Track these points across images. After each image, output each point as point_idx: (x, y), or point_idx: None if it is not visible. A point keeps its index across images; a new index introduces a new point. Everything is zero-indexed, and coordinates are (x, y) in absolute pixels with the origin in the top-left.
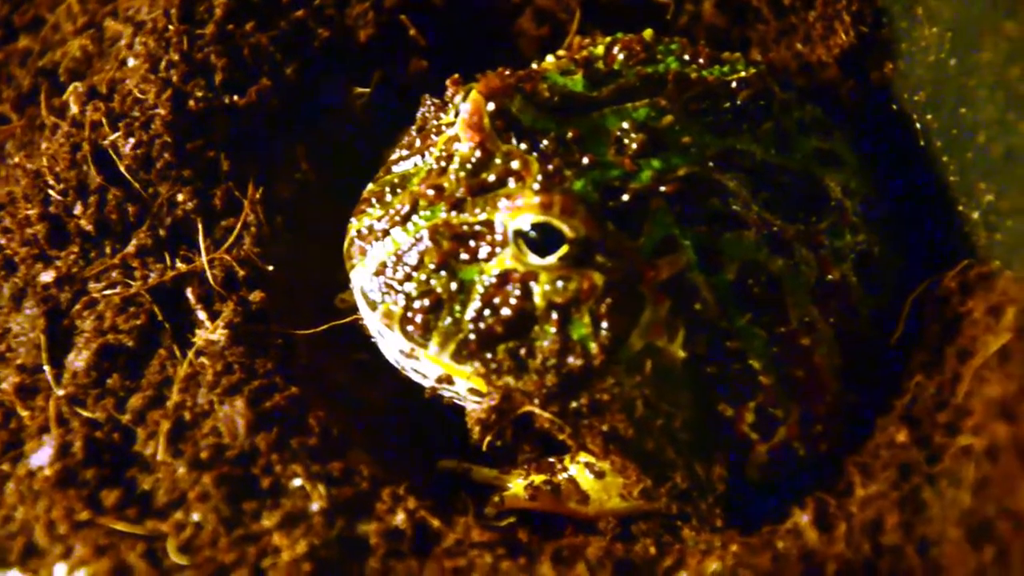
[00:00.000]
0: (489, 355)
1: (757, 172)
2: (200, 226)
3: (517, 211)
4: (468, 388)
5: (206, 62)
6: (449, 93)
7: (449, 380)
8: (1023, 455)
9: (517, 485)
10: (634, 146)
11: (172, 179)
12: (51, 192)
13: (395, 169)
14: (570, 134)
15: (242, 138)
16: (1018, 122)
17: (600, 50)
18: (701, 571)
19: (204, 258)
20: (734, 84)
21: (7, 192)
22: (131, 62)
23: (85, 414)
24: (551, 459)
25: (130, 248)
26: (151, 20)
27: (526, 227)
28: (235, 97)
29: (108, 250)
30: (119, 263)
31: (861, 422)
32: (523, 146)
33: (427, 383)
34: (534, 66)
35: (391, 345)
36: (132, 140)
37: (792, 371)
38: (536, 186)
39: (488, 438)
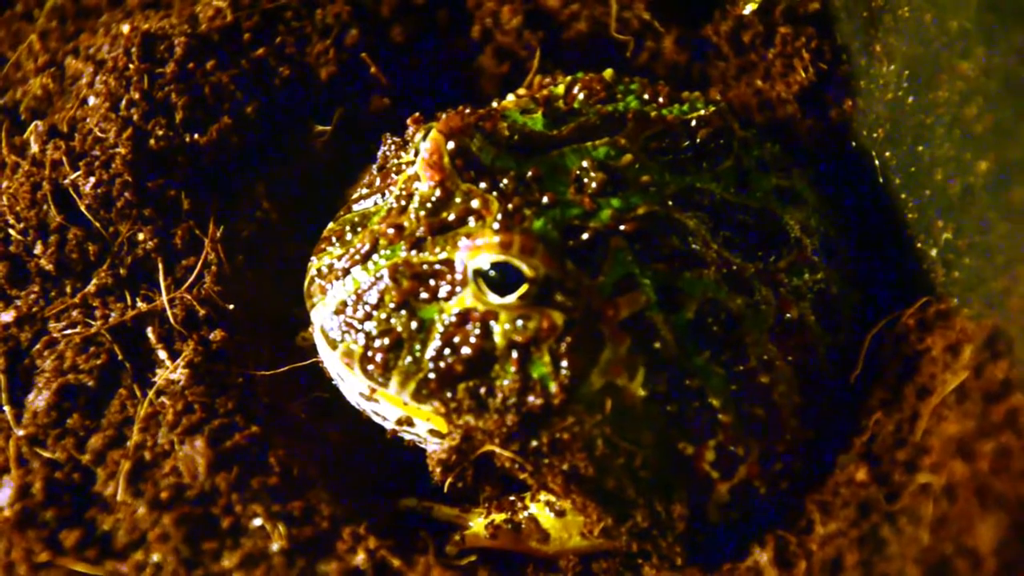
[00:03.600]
0: (449, 394)
1: (717, 210)
2: (161, 265)
3: (477, 250)
4: (428, 429)
5: (167, 101)
6: (410, 132)
7: (409, 422)
8: (981, 493)
9: (478, 524)
10: (594, 185)
11: (133, 218)
12: (11, 231)
13: (356, 208)
14: (530, 173)
15: (203, 177)
16: (975, 160)
17: (560, 89)
18: None
19: (165, 297)
20: (693, 123)
21: None
22: (92, 100)
23: (45, 454)
24: (512, 498)
25: (91, 287)
26: (112, 59)
27: (486, 266)
28: (196, 136)
29: (69, 289)
30: (79, 302)
31: (821, 460)
32: (483, 185)
33: (388, 425)
34: (495, 104)
35: (351, 388)
36: (93, 179)
37: (752, 409)
38: (496, 225)
39: (449, 479)
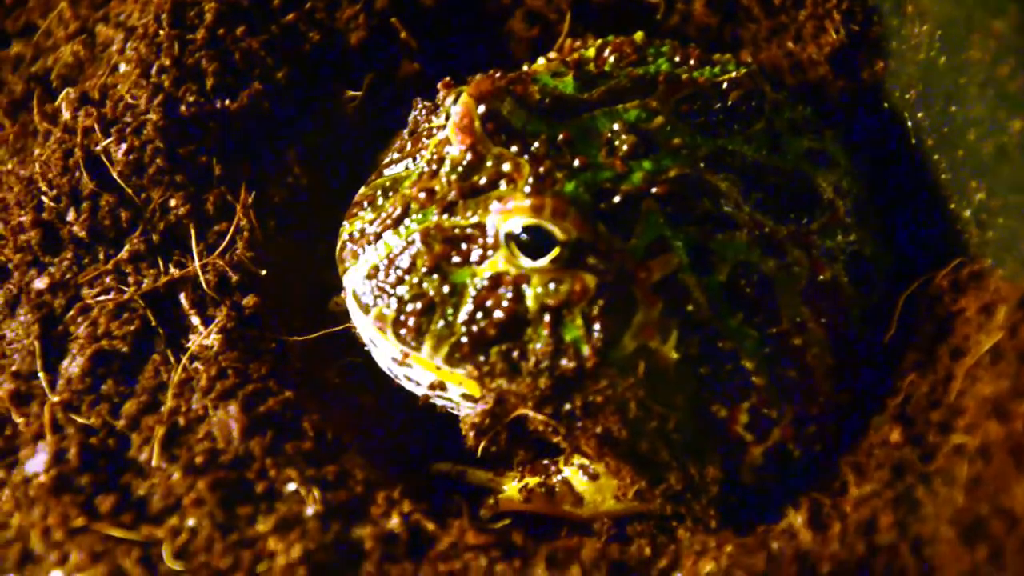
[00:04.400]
0: (482, 358)
1: (748, 173)
2: (193, 231)
3: (508, 214)
4: (461, 394)
5: (197, 67)
6: (440, 96)
7: (442, 386)
8: (1016, 454)
9: (512, 488)
10: (625, 147)
11: (164, 184)
12: (44, 198)
13: (387, 172)
14: (561, 136)
15: (234, 142)
16: (1008, 120)
17: (591, 52)
18: (696, 572)
19: (197, 263)
20: (725, 85)
21: (0, 199)
22: (122, 67)
23: (80, 420)
24: (545, 461)
25: (123, 254)
26: (142, 25)
27: (517, 230)
28: (227, 101)
29: (101, 256)
30: (112, 269)
31: (854, 422)
32: (514, 148)
33: (420, 391)
34: (525, 68)
35: (383, 353)
36: (124, 145)
37: (785, 371)
38: (527, 189)
39: (483, 443)
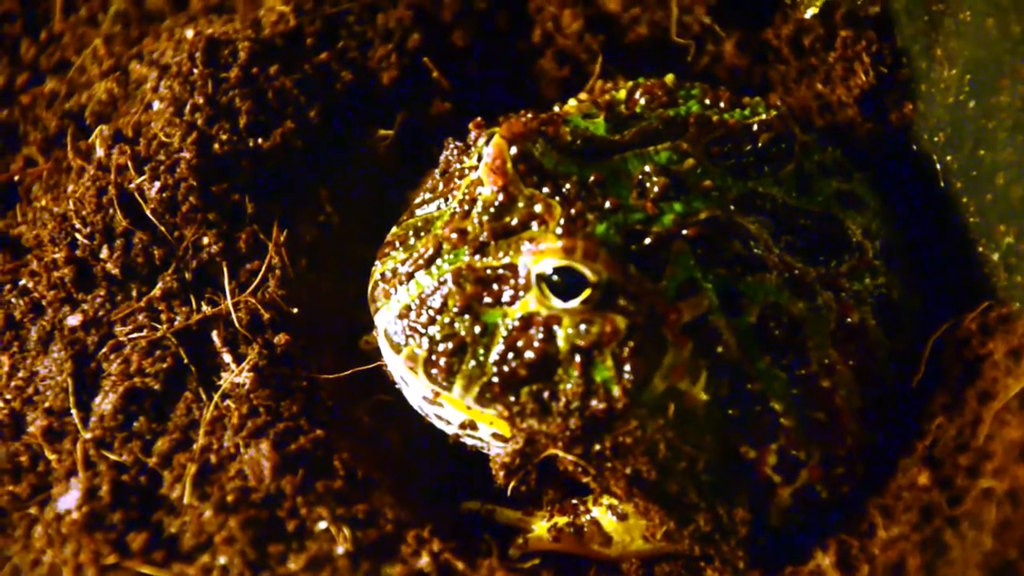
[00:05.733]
0: (512, 398)
1: (778, 215)
2: (225, 269)
3: (540, 255)
4: (492, 434)
5: (231, 105)
6: (472, 136)
7: (472, 426)
8: None
9: (540, 527)
10: (656, 189)
11: (197, 222)
12: (78, 235)
13: (418, 212)
14: (592, 177)
15: (266, 181)
16: None
17: (622, 94)
18: None
19: (229, 301)
20: (755, 127)
21: (34, 235)
22: (156, 105)
23: (112, 457)
24: (574, 501)
25: (156, 291)
26: (176, 64)
27: (549, 271)
28: (259, 140)
29: (134, 293)
30: (145, 306)
31: (882, 464)
32: (545, 190)
33: (450, 429)
34: (556, 109)
35: (414, 392)
36: (158, 183)
37: (813, 413)
38: (559, 230)
39: (512, 483)
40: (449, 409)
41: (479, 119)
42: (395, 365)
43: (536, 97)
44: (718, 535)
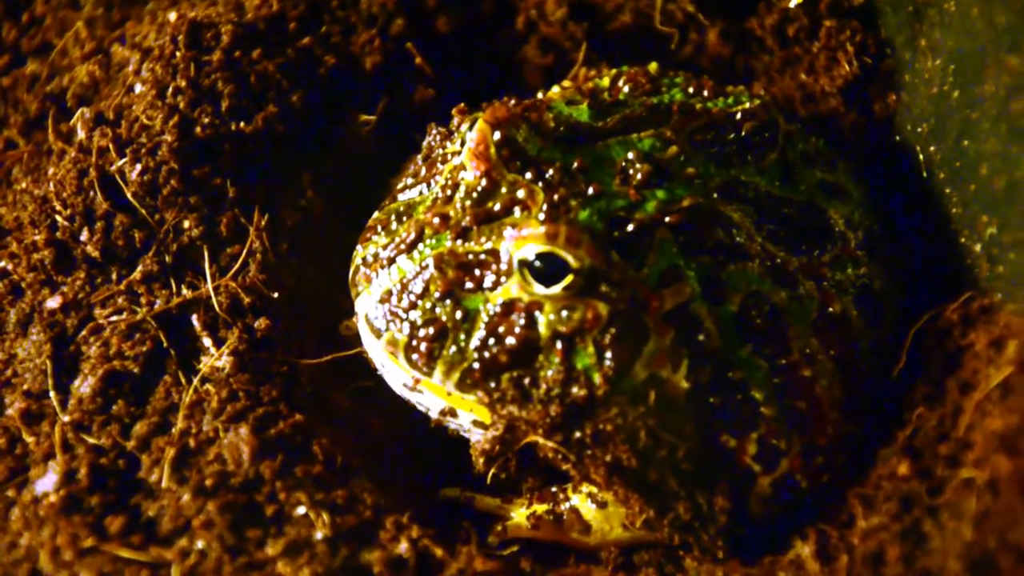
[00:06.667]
0: (493, 384)
1: (761, 204)
2: (206, 253)
3: (522, 241)
4: (472, 420)
5: (213, 89)
6: (455, 122)
7: (452, 413)
8: None
9: (520, 514)
10: (639, 176)
11: (178, 206)
12: (58, 218)
13: (401, 197)
14: (575, 164)
15: (248, 165)
16: (1021, 156)
17: (605, 82)
18: None
19: (210, 285)
20: (738, 115)
21: (14, 217)
22: (138, 88)
23: (90, 440)
24: (554, 488)
25: (136, 274)
26: (158, 47)
27: (531, 257)
28: (241, 124)
29: (114, 276)
30: (125, 289)
31: (863, 454)
32: (528, 175)
33: (431, 415)
34: (539, 95)
35: (395, 379)
36: (139, 166)
37: (794, 402)
38: (541, 216)
39: (492, 470)
40: (429, 396)
41: (462, 105)
42: (376, 350)
43: (520, 84)
44: (697, 523)
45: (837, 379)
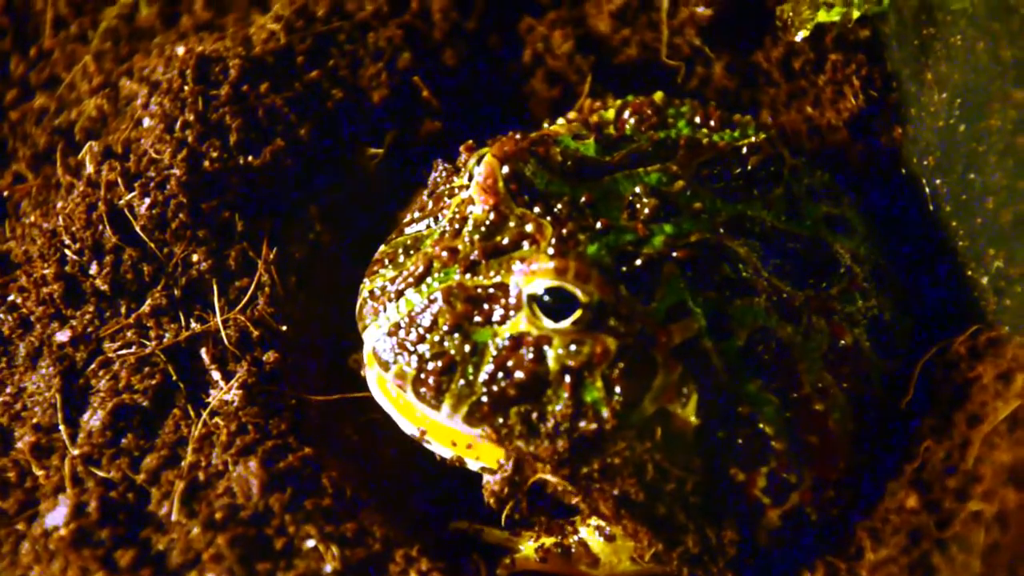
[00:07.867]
0: (501, 419)
1: (767, 238)
2: (215, 286)
3: (531, 276)
4: (480, 467)
5: (221, 123)
6: (462, 158)
7: (460, 462)
8: None
9: (528, 547)
10: (646, 211)
11: (187, 239)
12: (67, 251)
13: (408, 231)
14: (583, 198)
15: (256, 198)
16: None
17: (611, 114)
18: None
19: (218, 318)
20: (745, 150)
21: (23, 251)
22: (146, 122)
23: (100, 474)
24: (562, 521)
25: (145, 308)
26: (166, 80)
27: (540, 291)
28: (249, 158)
29: (123, 310)
30: (134, 323)
31: (871, 486)
32: (537, 209)
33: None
34: (545, 126)
35: (401, 426)
36: (147, 200)
37: (806, 436)
38: (550, 250)
39: (505, 511)
40: (436, 446)
41: (470, 142)
42: (382, 400)
43: (526, 117)
44: (706, 556)
45: (849, 412)
